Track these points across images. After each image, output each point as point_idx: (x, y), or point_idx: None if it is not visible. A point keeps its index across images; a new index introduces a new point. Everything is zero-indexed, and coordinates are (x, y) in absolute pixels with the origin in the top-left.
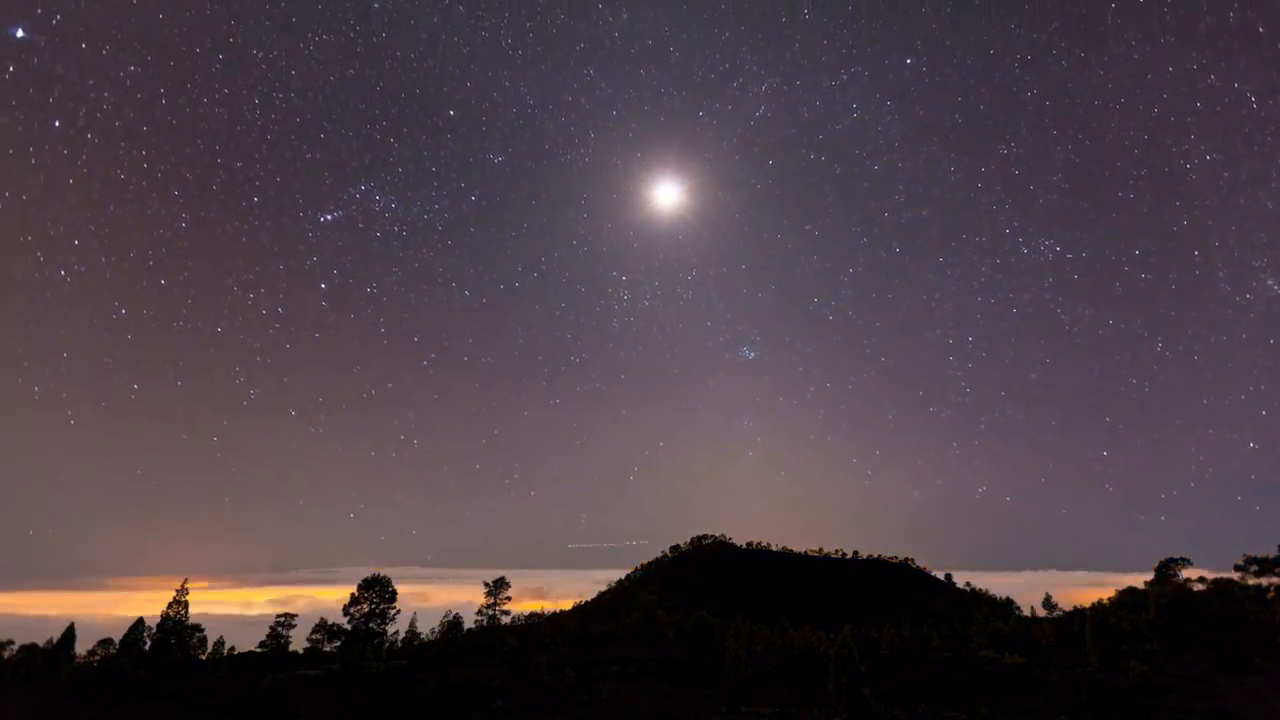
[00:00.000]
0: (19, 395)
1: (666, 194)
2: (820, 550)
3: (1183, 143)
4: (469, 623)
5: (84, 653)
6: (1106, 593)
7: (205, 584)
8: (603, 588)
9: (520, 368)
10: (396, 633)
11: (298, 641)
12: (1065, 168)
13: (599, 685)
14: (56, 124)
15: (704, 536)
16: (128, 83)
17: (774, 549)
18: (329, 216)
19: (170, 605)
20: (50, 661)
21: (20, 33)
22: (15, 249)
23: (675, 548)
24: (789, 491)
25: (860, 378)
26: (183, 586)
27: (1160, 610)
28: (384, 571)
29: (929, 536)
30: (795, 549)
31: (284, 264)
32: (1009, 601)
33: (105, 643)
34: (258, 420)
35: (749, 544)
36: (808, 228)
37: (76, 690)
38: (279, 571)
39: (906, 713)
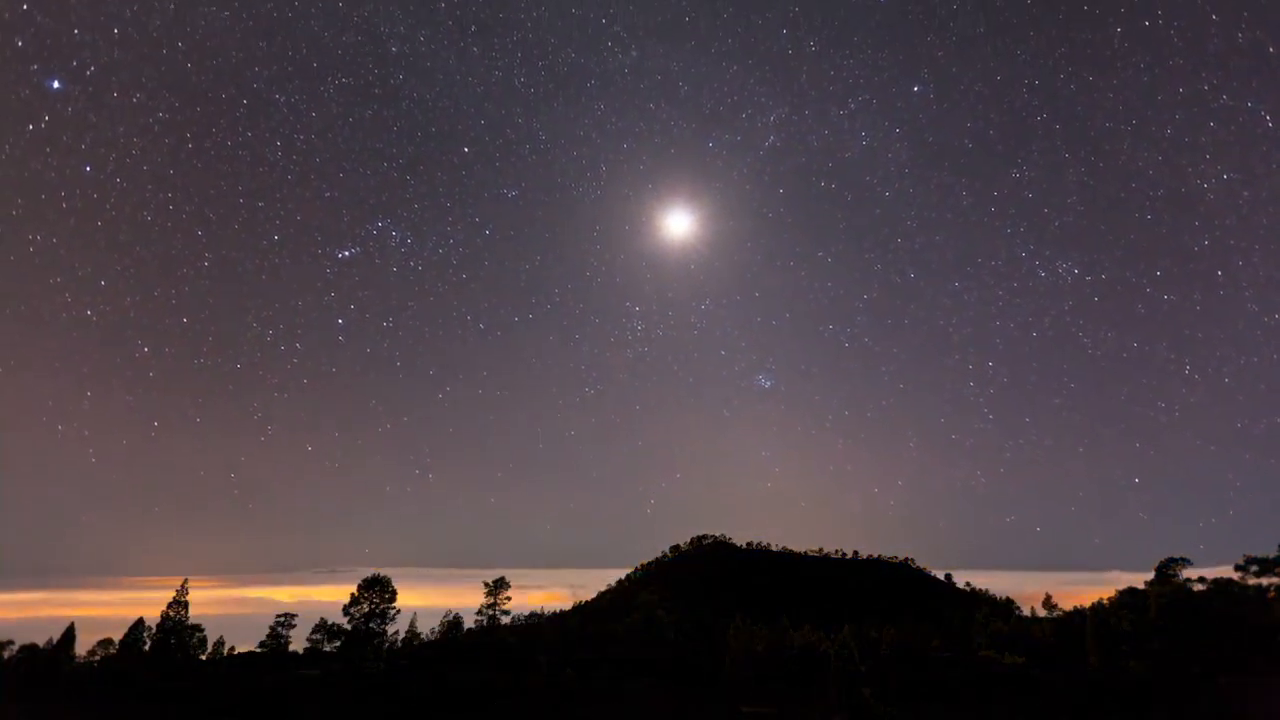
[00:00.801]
0: (42, 434)
1: (678, 224)
2: (820, 550)
3: (1199, 163)
4: (469, 623)
5: (84, 653)
6: (1106, 593)
7: (206, 584)
8: (603, 588)
9: (535, 401)
10: (396, 633)
11: (298, 641)
12: (1079, 190)
13: (599, 685)
14: (87, 169)
15: (704, 536)
16: (156, 129)
17: (774, 549)
18: (346, 253)
19: (170, 605)
20: (50, 661)
21: (56, 84)
22: (46, 291)
23: (675, 548)
24: (808, 517)
25: (880, 405)
26: (183, 586)
27: (1160, 610)
28: (384, 571)
29: (929, 537)
30: (795, 549)
31: (302, 300)
32: (1009, 601)
33: (105, 643)
34: (274, 455)
35: (749, 544)
36: (820, 255)
37: (76, 690)
38: (279, 571)
39: (906, 713)
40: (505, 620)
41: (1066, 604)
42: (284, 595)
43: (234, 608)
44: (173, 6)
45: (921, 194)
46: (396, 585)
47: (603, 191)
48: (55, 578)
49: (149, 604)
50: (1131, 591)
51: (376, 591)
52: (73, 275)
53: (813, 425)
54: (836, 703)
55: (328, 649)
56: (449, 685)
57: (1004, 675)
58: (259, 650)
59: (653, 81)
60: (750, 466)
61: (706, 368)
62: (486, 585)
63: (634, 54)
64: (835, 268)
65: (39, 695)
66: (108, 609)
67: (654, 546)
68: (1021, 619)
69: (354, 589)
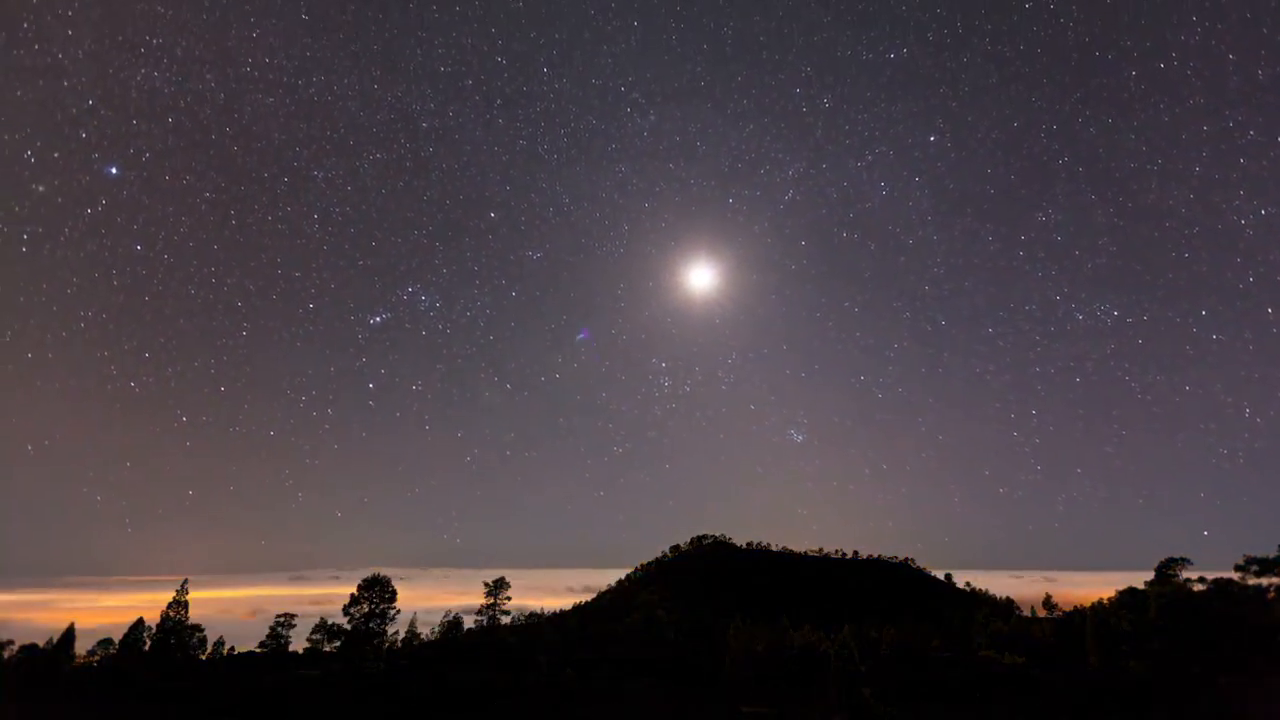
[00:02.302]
0: (83, 504)
1: (701, 279)
2: (820, 550)
3: (1232, 199)
4: (469, 623)
5: (84, 653)
6: (1106, 593)
7: (206, 584)
8: (603, 588)
9: (563, 460)
10: (396, 633)
11: (298, 641)
12: (1110, 231)
13: (599, 685)
14: (138, 248)
15: (704, 536)
16: (202, 207)
17: (774, 549)
18: (378, 319)
19: (170, 605)
20: (50, 661)
21: (114, 170)
22: (93, 364)
23: (675, 548)
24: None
25: (919, 458)
26: (183, 586)
27: (1160, 610)
28: (384, 571)
29: (929, 536)
30: (795, 549)
31: (335, 365)
32: (1009, 601)
33: (105, 643)
34: (304, 520)
35: (749, 544)
36: (846, 305)
37: (76, 690)
38: (280, 571)
39: (906, 713)
40: (505, 620)
41: (1066, 604)
42: (284, 595)
43: (234, 608)
44: (223, 96)
45: (946, 241)
46: (397, 585)
47: (626, 250)
48: (55, 578)
49: (149, 604)
50: (1131, 591)
51: (376, 591)
52: (119, 349)
53: (849, 480)
54: (836, 703)
55: (328, 649)
56: (449, 685)
57: (1004, 675)
58: (259, 650)
59: (671, 143)
60: (786, 524)
61: (736, 422)
62: (486, 585)
63: (652, 118)
64: (863, 317)
65: (39, 695)
66: (108, 609)
67: (654, 547)
68: (1021, 619)
69: (354, 589)
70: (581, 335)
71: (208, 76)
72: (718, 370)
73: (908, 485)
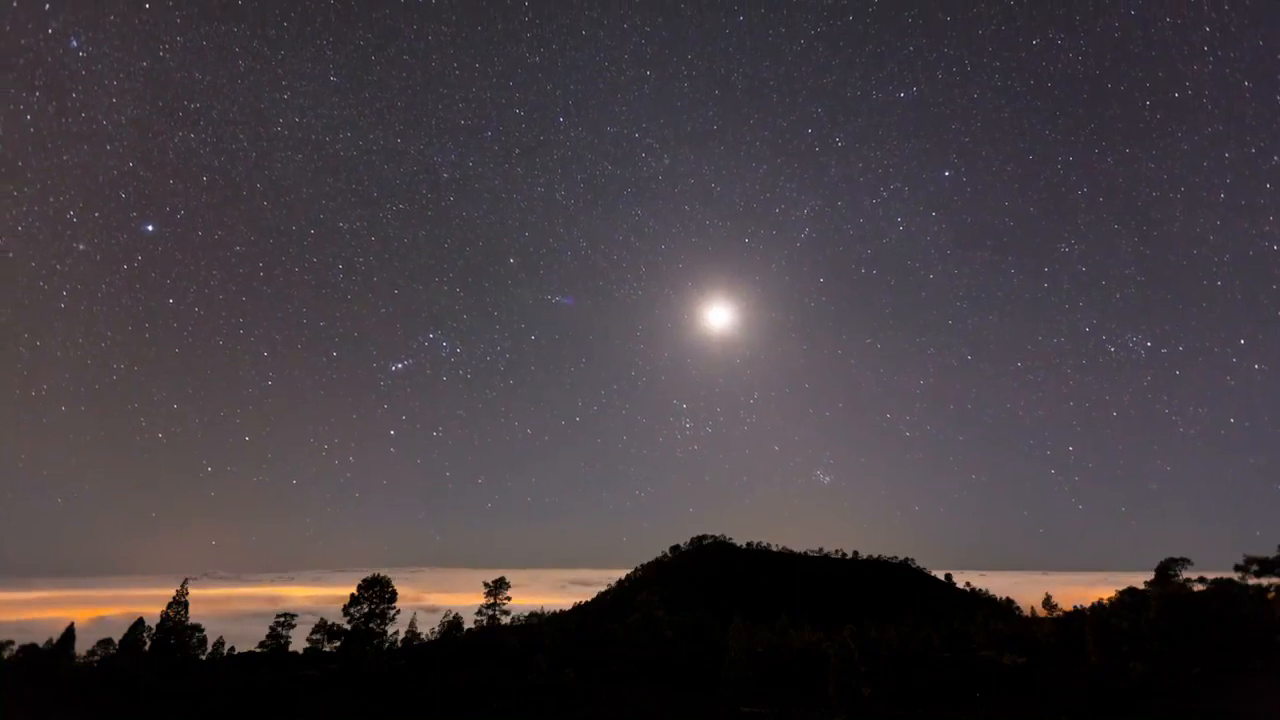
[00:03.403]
0: (105, 555)
1: (719, 318)
2: (820, 550)
3: (1262, 224)
4: (469, 623)
5: (84, 653)
6: (1106, 593)
7: (205, 584)
8: (603, 588)
9: (585, 508)
10: (396, 633)
11: (298, 642)
12: (1136, 260)
13: (599, 685)
14: (170, 302)
15: (704, 536)
16: (232, 261)
17: (774, 549)
18: (399, 365)
19: (170, 605)
20: (50, 661)
21: (150, 227)
22: (123, 415)
23: (675, 548)
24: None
25: (953, 500)
26: (183, 586)
27: (1160, 610)
28: (384, 572)
29: (929, 536)
30: (795, 549)
31: (357, 413)
32: (1009, 601)
33: (105, 643)
34: (324, 572)
35: (749, 544)
36: (869, 341)
37: (76, 690)
38: (280, 571)
39: (906, 713)
40: (505, 620)
41: (1066, 604)
42: (284, 595)
43: (234, 607)
44: (254, 154)
45: (967, 274)
46: (397, 585)
47: (644, 292)
48: (55, 578)
49: (149, 604)
50: (1131, 591)
51: (376, 591)
52: (149, 400)
53: (881, 522)
54: (836, 703)
55: (328, 649)
56: (449, 685)
57: (1004, 675)
58: (259, 650)
59: (686, 185)
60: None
61: (761, 464)
62: (486, 585)
63: (666, 161)
64: (886, 354)
65: (39, 695)
66: (108, 609)
67: (654, 547)
68: (1021, 619)
69: (354, 589)
70: (566, 300)
71: (241, 137)
72: (740, 411)
73: (944, 528)
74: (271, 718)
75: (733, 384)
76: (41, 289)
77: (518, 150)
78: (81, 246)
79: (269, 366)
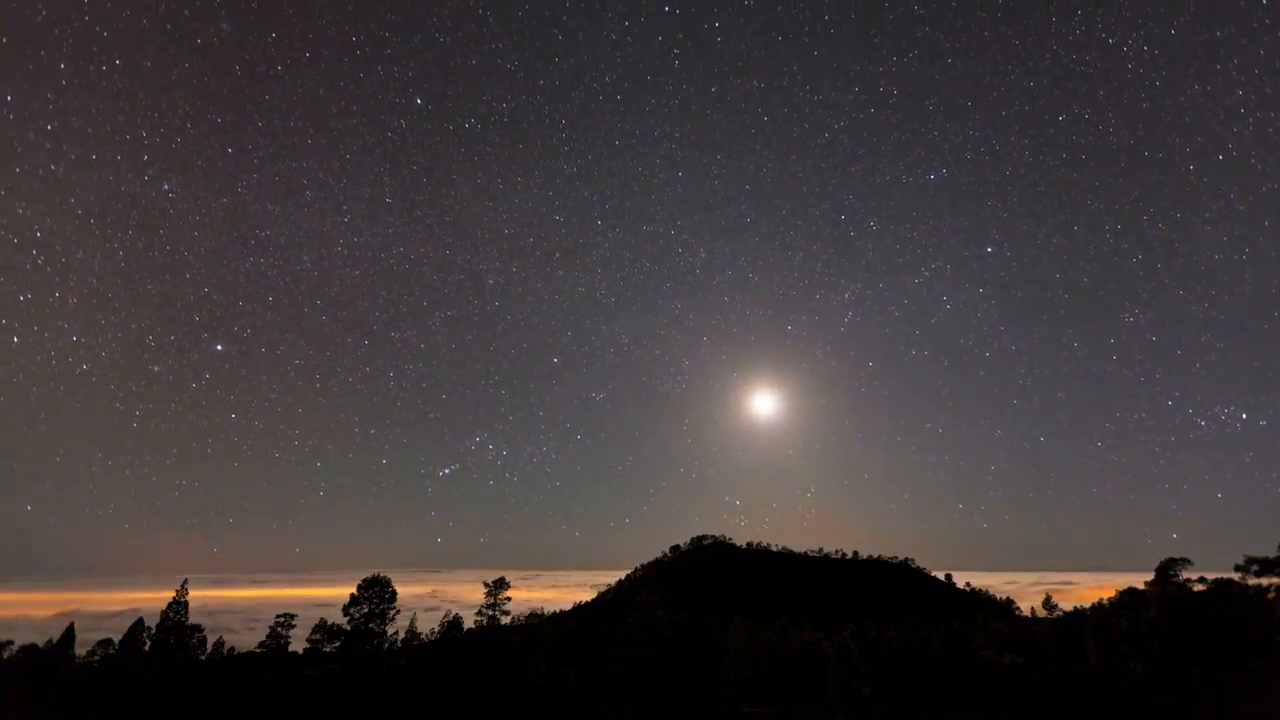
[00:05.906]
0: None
1: (766, 408)
2: (820, 550)
3: None
4: (469, 623)
5: (84, 653)
6: (1106, 593)
7: (206, 584)
8: (603, 588)
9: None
10: (396, 633)
11: (298, 642)
12: (1210, 326)
13: (598, 685)
14: (232, 416)
15: (704, 536)
16: (291, 374)
17: (774, 549)
18: (447, 470)
19: (170, 605)
20: (50, 661)
21: (220, 347)
22: (185, 530)
23: (675, 548)
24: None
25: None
26: (183, 586)
27: (1160, 610)
28: (384, 572)
29: (929, 536)
30: (795, 549)
31: (405, 522)
32: (1009, 601)
33: (105, 643)
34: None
35: (749, 544)
36: (929, 426)
37: (76, 690)
38: (280, 572)
39: (906, 713)
40: (505, 620)
41: (1066, 604)
42: (284, 595)
43: (234, 607)
44: (316, 274)
45: (1026, 350)
46: (397, 585)
47: (688, 385)
48: (55, 578)
49: (149, 604)
50: (1131, 591)
51: (376, 591)
52: (206, 517)
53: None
54: (836, 703)
55: (328, 649)
56: (449, 685)
57: (1004, 675)
58: (259, 650)
59: (724, 277)
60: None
61: None
62: (486, 585)
63: (703, 255)
64: (949, 438)
65: (39, 695)
66: (108, 609)
67: (654, 547)
68: (1021, 619)
69: (354, 589)
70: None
71: (305, 258)
72: (796, 505)
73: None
74: (271, 718)
75: (787, 477)
76: (117, 409)
77: (558, 254)
78: (156, 368)
79: (320, 478)
